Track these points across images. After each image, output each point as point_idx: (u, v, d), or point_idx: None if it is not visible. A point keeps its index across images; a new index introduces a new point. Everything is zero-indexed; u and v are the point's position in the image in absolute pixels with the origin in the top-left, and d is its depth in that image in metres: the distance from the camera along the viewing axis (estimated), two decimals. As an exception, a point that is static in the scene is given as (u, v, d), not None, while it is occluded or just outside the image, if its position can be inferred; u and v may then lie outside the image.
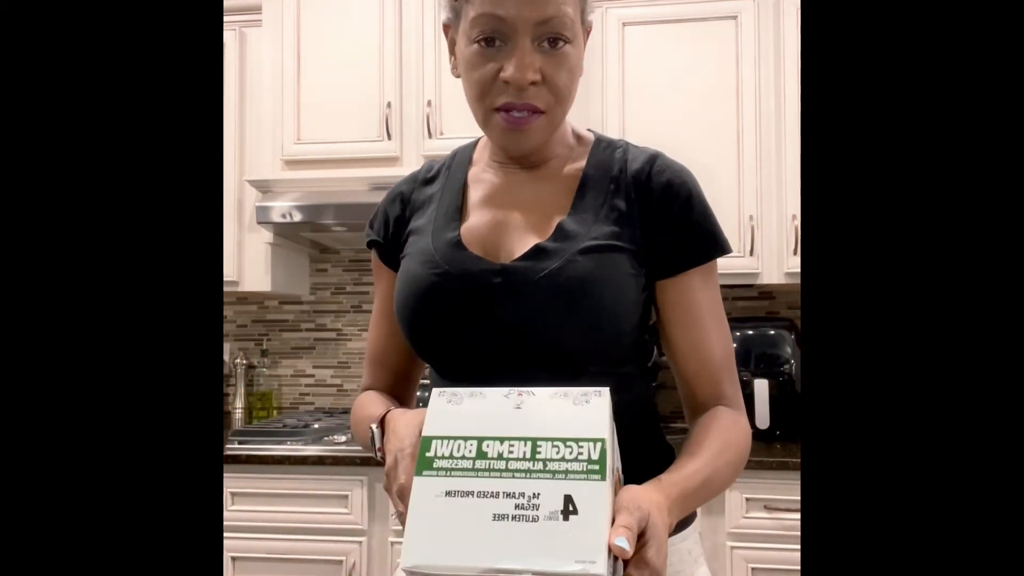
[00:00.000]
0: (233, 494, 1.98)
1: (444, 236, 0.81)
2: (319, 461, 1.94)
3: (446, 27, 0.81)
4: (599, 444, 0.59)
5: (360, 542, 1.95)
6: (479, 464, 0.60)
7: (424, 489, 0.59)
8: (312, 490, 1.96)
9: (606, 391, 0.62)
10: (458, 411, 0.63)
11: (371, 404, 0.86)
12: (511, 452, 0.60)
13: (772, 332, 2.16)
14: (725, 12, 2.17)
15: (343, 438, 2.04)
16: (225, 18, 2.29)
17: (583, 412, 0.62)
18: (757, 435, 2.05)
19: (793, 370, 2.11)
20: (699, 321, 0.80)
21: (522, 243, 0.78)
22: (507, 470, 0.59)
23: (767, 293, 2.45)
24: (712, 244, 0.80)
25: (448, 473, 0.59)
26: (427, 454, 0.61)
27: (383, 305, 0.91)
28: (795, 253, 2.14)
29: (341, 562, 1.95)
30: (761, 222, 2.16)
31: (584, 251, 0.75)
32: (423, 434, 0.62)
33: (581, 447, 0.59)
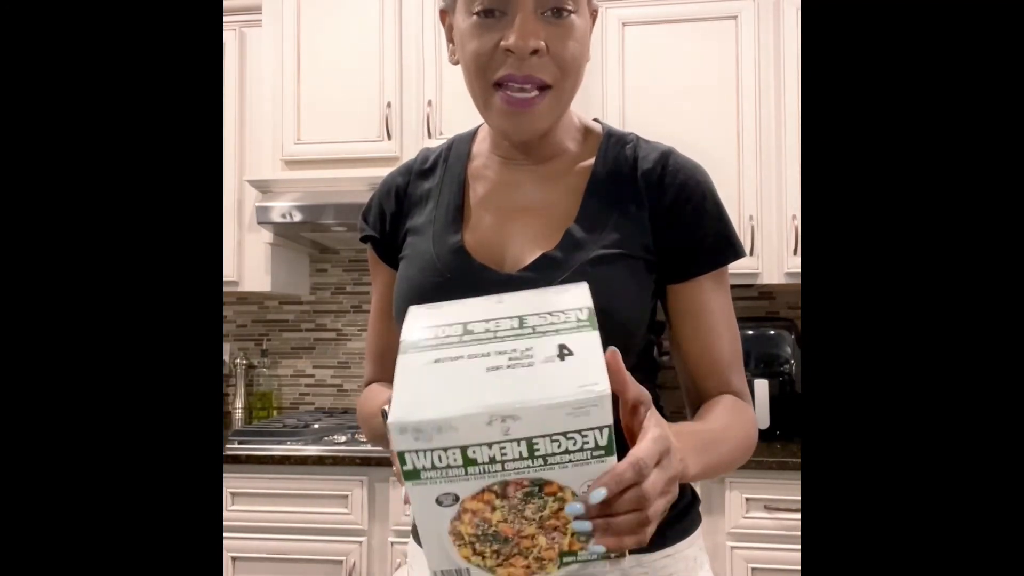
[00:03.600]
0: (233, 494, 1.98)
1: (446, 241, 0.78)
2: (319, 461, 1.94)
3: (443, 13, 0.78)
4: (586, 309, 0.58)
5: (360, 542, 1.95)
6: (467, 338, 0.57)
7: (411, 363, 0.56)
8: (312, 490, 1.96)
9: (584, 284, 0.62)
10: (438, 312, 0.61)
11: (380, 392, 0.82)
12: (498, 326, 0.58)
13: (772, 332, 2.16)
14: (725, 12, 2.17)
15: (343, 438, 2.04)
16: (225, 18, 2.29)
17: (565, 296, 0.61)
18: (757, 435, 2.05)
19: (793, 370, 2.12)
20: (711, 326, 0.77)
21: (529, 251, 0.75)
22: (496, 337, 0.56)
23: (767, 293, 2.45)
24: (726, 249, 0.78)
25: (435, 347, 0.56)
26: (409, 336, 0.58)
27: (381, 303, 0.87)
28: (795, 253, 2.14)
29: (341, 562, 1.95)
30: (761, 222, 2.16)
31: (594, 262, 0.73)
32: (402, 340, 0.58)
33: (568, 314, 0.58)
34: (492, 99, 0.73)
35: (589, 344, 0.54)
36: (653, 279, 0.76)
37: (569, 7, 0.70)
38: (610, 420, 0.51)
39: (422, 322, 0.60)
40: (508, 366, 0.53)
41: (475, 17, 0.71)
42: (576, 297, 0.60)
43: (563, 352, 0.54)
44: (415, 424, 0.51)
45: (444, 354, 0.55)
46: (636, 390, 0.56)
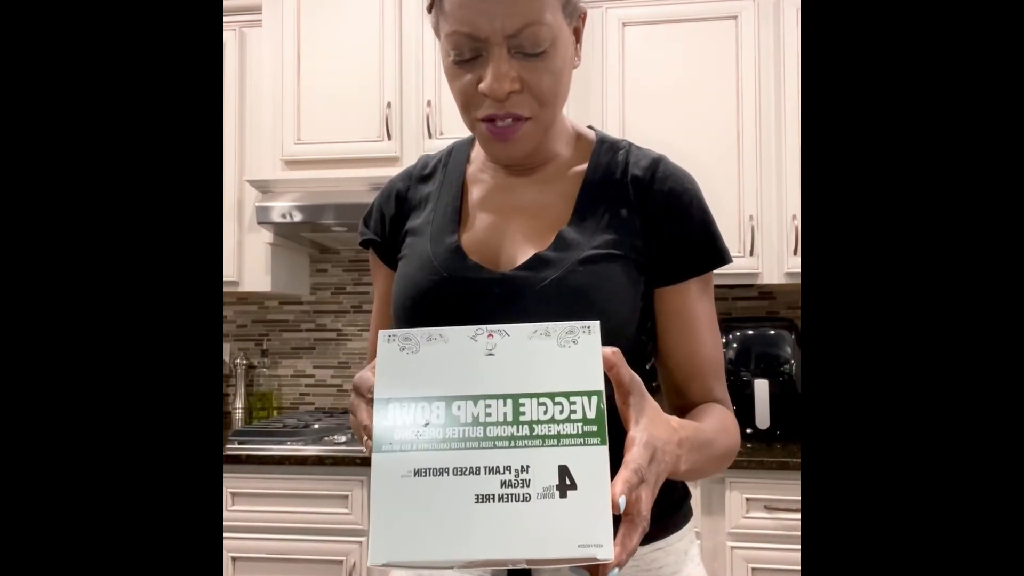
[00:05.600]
0: (233, 494, 1.98)
1: (443, 241, 0.80)
2: (319, 461, 1.94)
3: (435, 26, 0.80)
4: (595, 398, 0.50)
5: (360, 542, 1.95)
6: (450, 432, 0.49)
7: (387, 469, 0.49)
8: (312, 490, 1.96)
9: (595, 325, 0.52)
10: (415, 362, 0.52)
11: None
12: (488, 415, 0.49)
13: (772, 332, 2.16)
14: (725, 12, 2.17)
15: (343, 438, 2.04)
16: (225, 18, 2.29)
17: (571, 356, 0.51)
18: (757, 435, 2.05)
19: (793, 370, 2.11)
20: (695, 331, 0.79)
21: (522, 251, 0.77)
22: (486, 438, 0.49)
23: (767, 293, 2.45)
24: (712, 254, 0.79)
25: (413, 446, 0.49)
26: (384, 423, 0.50)
27: (382, 305, 0.89)
28: (795, 253, 2.14)
29: (341, 562, 1.95)
30: (761, 222, 2.16)
31: (584, 261, 0.74)
32: (375, 396, 0.51)
33: (573, 403, 0.50)
34: (477, 129, 0.76)
35: (595, 470, 0.48)
36: (644, 280, 0.78)
37: (543, 44, 0.71)
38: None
39: (397, 383, 0.51)
40: (500, 497, 0.48)
41: (452, 58, 0.73)
42: (586, 366, 0.51)
43: (564, 482, 0.48)
44: (396, 564, 0.48)
45: (425, 461, 0.49)
46: (628, 380, 0.57)
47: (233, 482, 1.98)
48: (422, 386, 0.51)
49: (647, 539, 0.78)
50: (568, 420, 0.49)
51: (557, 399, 0.50)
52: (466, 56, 0.72)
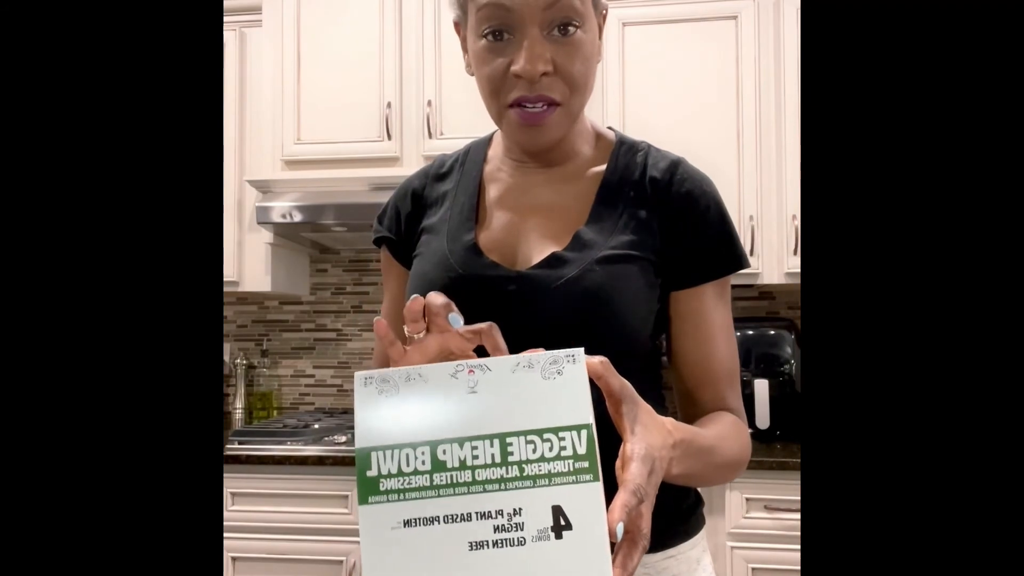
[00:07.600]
0: (233, 494, 1.98)
1: (460, 239, 0.79)
2: (319, 461, 1.94)
3: (457, 25, 0.79)
4: (584, 432, 0.48)
5: (360, 542, 1.95)
6: (438, 479, 0.48)
7: (375, 521, 0.48)
8: (312, 490, 1.96)
9: (580, 352, 0.51)
10: (395, 405, 0.50)
11: None
12: (476, 457, 0.48)
13: (772, 332, 2.16)
14: (725, 12, 2.17)
15: (343, 438, 2.04)
16: (225, 18, 2.29)
17: (557, 388, 0.50)
18: (757, 435, 2.05)
19: (793, 370, 2.12)
20: (710, 337, 0.78)
21: (539, 250, 0.76)
22: (475, 482, 0.48)
23: (767, 293, 2.45)
24: (729, 259, 0.78)
25: (401, 496, 0.48)
26: (368, 473, 0.49)
27: (393, 304, 0.88)
28: (795, 253, 2.14)
29: (341, 562, 1.95)
30: (761, 222, 2.16)
31: (601, 260, 0.74)
32: (357, 445, 0.50)
33: (563, 439, 0.48)
34: (505, 115, 0.75)
35: (590, 508, 0.47)
36: (660, 283, 0.77)
37: (575, 22, 0.71)
38: None
39: (378, 430, 0.50)
40: (494, 543, 0.47)
41: (484, 40, 0.73)
42: (573, 398, 0.49)
43: (559, 523, 0.47)
44: None
45: (414, 511, 0.48)
46: (619, 388, 0.55)
47: (233, 482, 1.98)
48: (404, 431, 0.49)
49: (659, 546, 0.77)
50: (558, 457, 0.48)
51: (546, 436, 0.48)
52: (498, 28, 0.72)
